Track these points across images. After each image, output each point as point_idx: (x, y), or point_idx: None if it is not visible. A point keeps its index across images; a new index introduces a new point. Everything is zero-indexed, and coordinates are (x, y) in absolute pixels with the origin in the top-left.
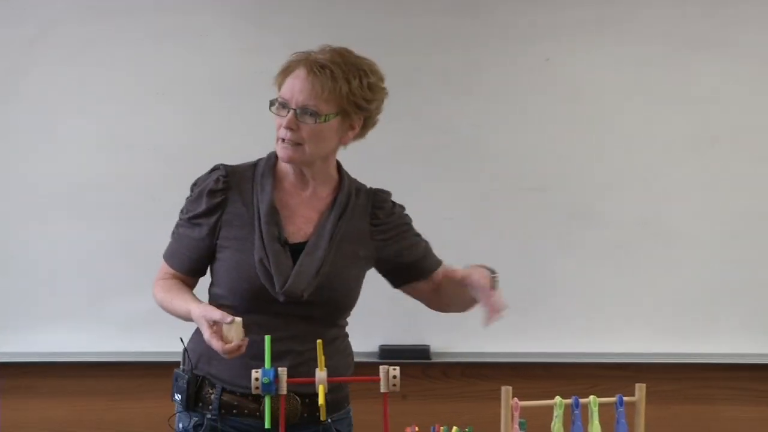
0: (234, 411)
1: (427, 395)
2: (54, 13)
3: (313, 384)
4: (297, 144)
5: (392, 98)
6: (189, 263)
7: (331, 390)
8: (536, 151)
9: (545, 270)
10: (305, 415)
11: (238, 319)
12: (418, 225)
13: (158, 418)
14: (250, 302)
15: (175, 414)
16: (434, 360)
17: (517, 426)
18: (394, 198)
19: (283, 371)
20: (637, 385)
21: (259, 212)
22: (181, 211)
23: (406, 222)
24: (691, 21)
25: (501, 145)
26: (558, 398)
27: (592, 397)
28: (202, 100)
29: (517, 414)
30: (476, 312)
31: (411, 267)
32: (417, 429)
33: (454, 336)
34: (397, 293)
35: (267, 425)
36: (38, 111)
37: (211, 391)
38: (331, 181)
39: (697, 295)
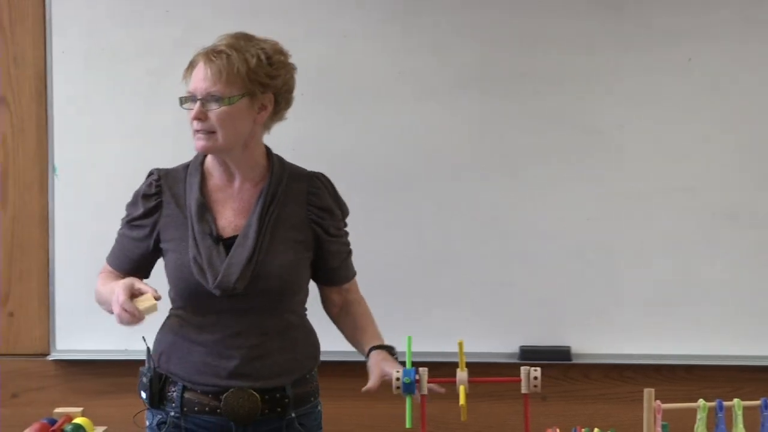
0: (196, 408)
1: (568, 397)
2: (198, 13)
3: (272, 380)
4: (210, 133)
5: (535, 99)
6: (128, 263)
7: (295, 384)
8: (680, 152)
9: (690, 271)
10: (266, 411)
11: (156, 303)
12: (558, 225)
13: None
14: (192, 301)
15: (141, 411)
16: (575, 361)
17: (659, 428)
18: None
19: (424, 371)
20: None
21: (190, 212)
22: (122, 219)
23: (339, 228)
24: None
25: (644, 145)
26: (701, 401)
27: (736, 400)
28: (345, 100)
29: (659, 416)
30: (618, 312)
31: (326, 270)
32: (558, 431)
33: (596, 337)
34: (538, 294)
35: (408, 425)
36: (182, 110)
37: (173, 389)
38: (260, 169)
39: None
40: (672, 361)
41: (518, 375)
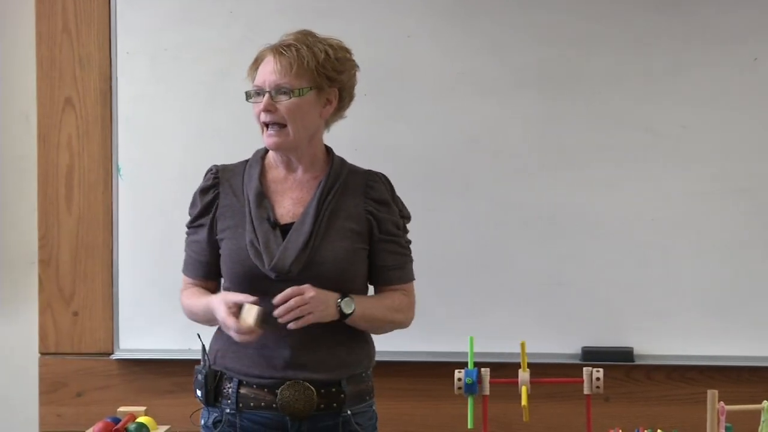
0: (251, 404)
1: (631, 398)
2: (262, 14)
3: (328, 372)
4: (281, 126)
5: (596, 98)
6: (202, 267)
7: (350, 380)
8: (743, 152)
9: (754, 271)
10: (321, 406)
11: (258, 307)
12: (620, 225)
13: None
14: (247, 286)
15: (197, 410)
16: (638, 362)
17: (723, 430)
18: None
19: (486, 371)
20: None
21: (248, 199)
22: (186, 224)
23: (398, 226)
24: None
25: (707, 145)
26: (765, 402)
27: None
28: (407, 100)
29: (723, 418)
30: (681, 313)
31: (381, 269)
32: (620, 431)
33: (658, 338)
34: (600, 295)
35: (470, 425)
36: (246, 111)
37: (228, 385)
38: (320, 164)
39: None
40: (735, 362)
41: (580, 376)
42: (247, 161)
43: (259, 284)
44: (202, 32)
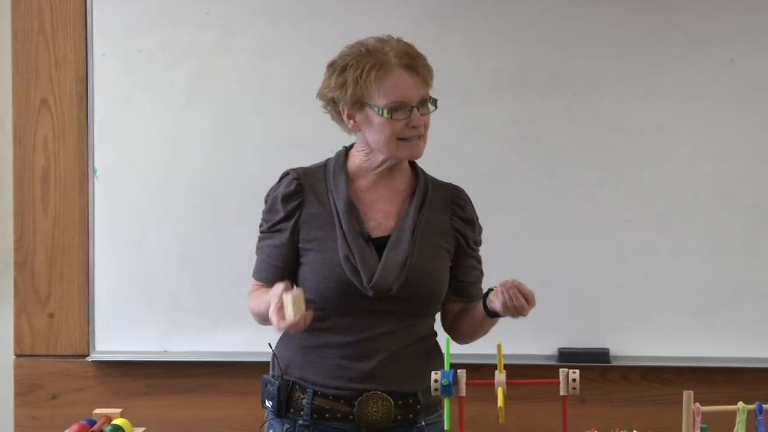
0: (326, 416)
1: (606, 399)
2: (238, 15)
3: (406, 384)
4: (419, 136)
5: (575, 99)
6: (275, 272)
7: (426, 391)
8: (720, 153)
9: (729, 273)
10: (398, 417)
11: (296, 291)
12: (597, 226)
13: None
14: (338, 302)
15: (265, 422)
16: (614, 363)
17: (698, 431)
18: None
19: (462, 373)
20: None
21: (336, 210)
22: (260, 225)
23: (477, 243)
24: None
25: (683, 147)
26: (741, 404)
27: None
28: None
29: (698, 419)
30: (657, 315)
31: (458, 282)
32: None
33: (634, 339)
34: (577, 296)
35: (446, 426)
36: (221, 113)
37: (302, 396)
38: (407, 174)
39: None
40: (711, 363)
41: (557, 377)
42: (324, 166)
43: (351, 300)
44: (178, 34)
